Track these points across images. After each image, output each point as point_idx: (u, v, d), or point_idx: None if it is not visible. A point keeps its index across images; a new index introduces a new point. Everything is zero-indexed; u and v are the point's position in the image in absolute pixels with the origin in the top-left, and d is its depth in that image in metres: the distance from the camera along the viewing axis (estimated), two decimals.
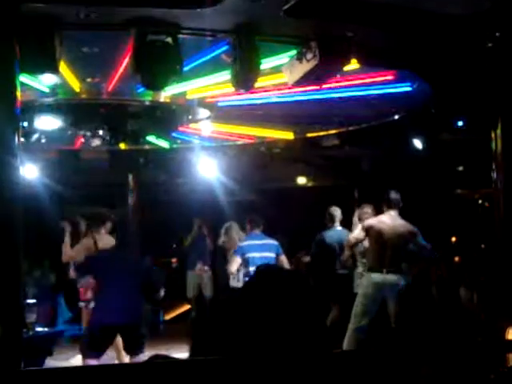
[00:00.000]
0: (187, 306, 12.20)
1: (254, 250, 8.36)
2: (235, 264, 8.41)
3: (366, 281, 7.44)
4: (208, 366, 2.27)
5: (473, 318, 8.20)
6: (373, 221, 7.71)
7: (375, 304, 7.38)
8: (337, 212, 8.88)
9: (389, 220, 7.56)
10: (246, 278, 8.27)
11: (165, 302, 11.38)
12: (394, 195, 7.64)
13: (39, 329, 6.55)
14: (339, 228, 8.88)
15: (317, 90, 7.17)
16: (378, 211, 7.94)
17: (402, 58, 6.52)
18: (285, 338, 2.68)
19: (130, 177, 11.90)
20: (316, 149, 10.80)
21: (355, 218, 8.51)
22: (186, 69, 5.82)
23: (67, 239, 8.31)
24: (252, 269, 8.21)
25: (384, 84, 7.58)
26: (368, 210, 8.23)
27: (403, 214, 7.86)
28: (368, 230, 7.62)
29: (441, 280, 9.43)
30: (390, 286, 7.34)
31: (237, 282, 8.38)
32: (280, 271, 3.11)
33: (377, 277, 7.36)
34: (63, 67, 5.94)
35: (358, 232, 7.84)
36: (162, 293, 7.68)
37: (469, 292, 8.82)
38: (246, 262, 8.36)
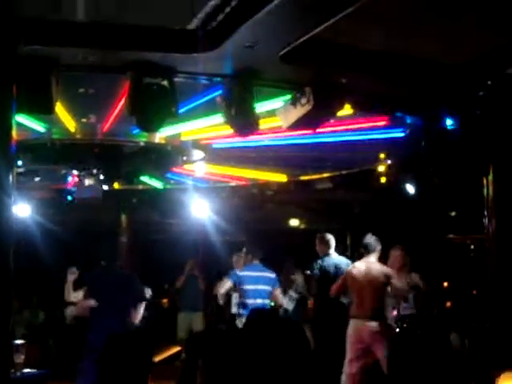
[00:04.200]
0: (177, 348, 12.08)
1: (250, 282, 8.36)
2: (224, 287, 8.44)
3: (349, 328, 7.36)
4: None
5: (464, 364, 8.14)
6: (349, 268, 7.65)
7: (362, 351, 7.28)
8: (331, 238, 8.59)
9: (363, 266, 7.46)
10: (242, 310, 8.25)
11: (155, 344, 11.27)
12: (369, 240, 7.51)
13: (27, 370, 6.47)
14: (335, 255, 8.57)
15: (310, 134, 7.24)
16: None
17: (395, 103, 6.61)
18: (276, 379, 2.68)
19: (123, 216, 11.90)
20: (309, 191, 10.84)
21: None
22: (181, 111, 5.88)
23: (70, 280, 8.15)
24: (248, 301, 8.27)
25: (376, 129, 7.66)
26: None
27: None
28: (345, 278, 7.58)
29: (432, 325, 9.39)
30: (370, 332, 7.22)
31: (231, 308, 8.39)
32: (271, 320, 3.12)
33: (357, 324, 7.29)
34: (59, 107, 5.99)
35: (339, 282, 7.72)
36: (149, 292, 7.56)
37: (460, 338, 8.76)
38: (242, 292, 8.37)
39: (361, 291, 7.33)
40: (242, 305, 8.39)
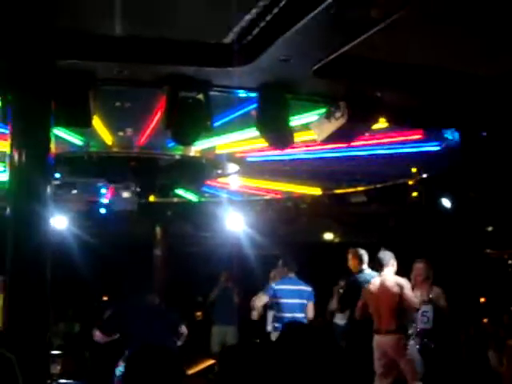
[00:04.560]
0: (211, 361, 12.08)
1: (286, 296, 8.30)
2: (260, 301, 8.40)
3: (373, 344, 7.31)
4: None
5: (502, 381, 8.00)
6: (367, 285, 7.58)
7: (387, 366, 7.21)
8: (364, 254, 8.45)
9: (378, 280, 7.42)
10: (277, 324, 8.22)
11: (187, 356, 11.30)
12: (382, 254, 7.46)
13: (63, 380, 6.54)
14: (368, 271, 8.41)
15: (345, 147, 7.23)
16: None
17: (430, 117, 6.57)
18: None
19: (158, 228, 11.98)
20: (343, 205, 10.80)
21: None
22: (216, 124, 5.92)
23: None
24: (284, 315, 8.22)
25: (412, 143, 7.61)
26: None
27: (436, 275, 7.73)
28: (363, 296, 7.52)
29: (469, 342, 9.25)
30: (391, 346, 7.14)
31: (266, 326, 8.30)
32: (307, 333, 3.12)
33: (378, 339, 7.25)
34: (96, 121, 6.07)
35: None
36: (184, 329, 7.45)
37: (498, 355, 8.61)
38: (277, 307, 8.32)
39: (377, 305, 7.29)
40: (278, 319, 8.35)
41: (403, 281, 7.36)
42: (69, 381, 6.67)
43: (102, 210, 10.30)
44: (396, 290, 7.25)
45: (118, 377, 6.64)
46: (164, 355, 2.99)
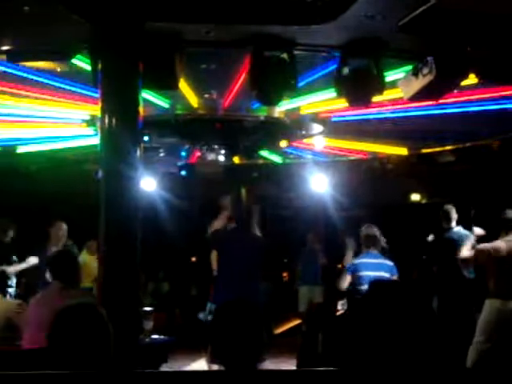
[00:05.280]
0: (298, 320, 12.22)
1: (368, 269, 8.06)
2: (345, 281, 8.24)
3: (488, 307, 6.99)
4: (319, 377, 2.28)
5: None
6: (486, 246, 7.16)
7: (498, 331, 6.89)
8: (452, 211, 8.23)
9: (504, 244, 6.95)
10: (356, 296, 8.08)
11: (275, 316, 11.47)
12: (511, 215, 7.08)
13: (155, 336, 6.76)
14: (456, 228, 8.22)
15: (433, 105, 7.06)
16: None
17: None
18: (400, 354, 2.66)
19: (243, 190, 12.08)
20: (431, 165, 10.59)
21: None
22: (300, 84, 5.89)
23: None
24: (364, 287, 7.86)
25: (503, 99, 7.36)
26: None
27: None
28: (481, 251, 7.13)
29: None
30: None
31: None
32: (394, 286, 3.09)
33: (498, 303, 6.93)
34: (182, 83, 6.14)
35: (468, 253, 7.38)
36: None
37: None
38: (358, 280, 8.01)
39: (505, 268, 6.87)
40: (358, 291, 8.15)
41: None
42: (161, 336, 6.87)
43: (188, 173, 10.47)
44: None
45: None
46: (249, 310, 3.03)
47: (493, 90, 7.15)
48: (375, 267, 8.05)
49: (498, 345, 6.81)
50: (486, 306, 6.93)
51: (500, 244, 7.05)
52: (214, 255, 9.00)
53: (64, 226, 9.22)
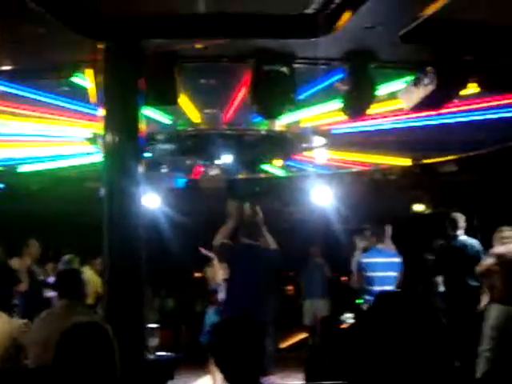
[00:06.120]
0: (304, 334, 12.17)
1: (376, 270, 7.97)
2: (355, 281, 8.15)
3: (495, 312, 6.94)
4: None
5: None
6: (503, 249, 7.16)
7: (505, 338, 6.83)
8: (460, 218, 8.15)
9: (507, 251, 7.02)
10: (367, 297, 8.01)
11: (281, 330, 11.42)
12: None
13: (161, 353, 6.73)
14: (463, 237, 8.16)
15: (434, 115, 7.06)
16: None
17: None
18: (408, 366, 2.63)
19: (246, 205, 12.05)
20: (433, 175, 10.57)
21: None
22: (300, 97, 5.89)
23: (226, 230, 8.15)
24: (374, 288, 7.89)
25: (504, 108, 7.35)
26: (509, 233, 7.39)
27: None
28: (499, 260, 7.09)
29: None
30: None
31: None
32: (400, 298, 3.05)
33: (506, 309, 6.87)
34: (183, 99, 6.15)
35: (491, 261, 7.29)
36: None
37: None
38: (367, 280, 8.01)
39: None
40: (368, 291, 8.11)
41: None
42: (167, 353, 6.85)
43: (191, 188, 10.47)
44: None
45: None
46: (252, 328, 3.04)
47: (493, 98, 7.15)
48: (384, 267, 7.95)
49: (505, 352, 6.79)
50: (491, 311, 6.92)
51: (503, 250, 7.11)
52: (212, 269, 8.88)
53: (36, 243, 9.26)
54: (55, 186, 10.65)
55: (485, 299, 7.41)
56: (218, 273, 8.47)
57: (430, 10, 4.70)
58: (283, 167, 10.57)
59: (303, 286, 12.08)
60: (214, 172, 8.72)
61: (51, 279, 8.74)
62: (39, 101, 6.75)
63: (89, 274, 9.58)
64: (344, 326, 8.22)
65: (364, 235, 8.93)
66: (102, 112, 5.30)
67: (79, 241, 9.53)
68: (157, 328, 6.68)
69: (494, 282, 7.08)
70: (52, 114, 7.29)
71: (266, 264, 7.03)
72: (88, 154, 8.94)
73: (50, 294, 8.55)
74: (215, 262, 8.33)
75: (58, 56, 5.43)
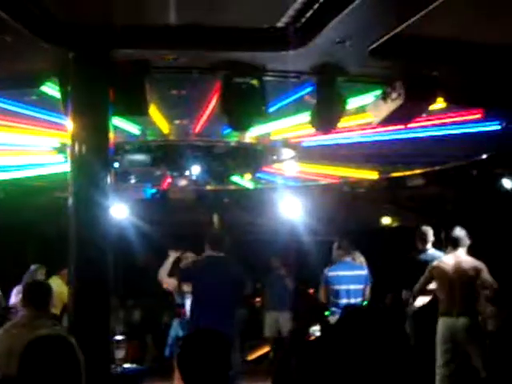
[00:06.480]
0: (267, 347, 12.14)
1: (341, 283, 8.03)
2: (324, 295, 8.19)
3: (439, 326, 7.06)
4: None
5: None
6: (436, 263, 7.29)
7: (454, 351, 6.96)
8: (429, 232, 8.13)
9: (451, 260, 7.13)
10: (333, 308, 8.05)
11: (247, 342, 11.38)
12: (458, 233, 7.15)
13: (127, 365, 6.67)
14: (431, 250, 8.11)
15: (402, 129, 7.13)
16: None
17: (490, 96, 6.42)
18: (373, 379, 2.65)
19: (215, 216, 12.04)
20: (401, 189, 10.67)
21: None
22: (270, 110, 5.91)
23: (170, 261, 8.09)
24: (340, 301, 7.98)
25: (472, 123, 7.46)
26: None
27: (492, 256, 7.52)
28: (432, 273, 7.24)
29: None
30: (462, 330, 6.88)
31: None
32: (367, 312, 3.08)
33: (448, 321, 7.01)
34: (153, 109, 6.13)
35: (422, 279, 7.42)
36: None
37: None
38: (333, 292, 8.06)
39: (451, 286, 7.03)
40: (335, 304, 8.17)
41: (479, 263, 7.10)
42: (133, 365, 6.79)
43: (160, 199, 10.42)
44: (472, 273, 7.00)
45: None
46: (218, 341, 3.05)
47: (460, 113, 7.25)
48: (350, 280, 8.00)
49: (456, 365, 6.90)
50: (438, 326, 7.01)
51: (446, 259, 7.20)
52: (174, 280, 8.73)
53: None
54: (22, 195, 10.52)
55: None
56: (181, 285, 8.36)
57: (399, 25, 4.76)
58: (252, 179, 10.58)
59: (265, 298, 12.04)
60: (182, 183, 8.69)
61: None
62: (7, 110, 6.68)
63: (56, 284, 9.47)
64: (311, 338, 8.23)
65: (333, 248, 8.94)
66: (70, 121, 5.25)
67: (46, 250, 9.41)
68: (123, 340, 6.62)
69: (438, 295, 7.20)
70: (20, 123, 7.22)
71: (232, 276, 7.02)
72: (56, 163, 8.85)
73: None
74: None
75: (25, 65, 5.38)
